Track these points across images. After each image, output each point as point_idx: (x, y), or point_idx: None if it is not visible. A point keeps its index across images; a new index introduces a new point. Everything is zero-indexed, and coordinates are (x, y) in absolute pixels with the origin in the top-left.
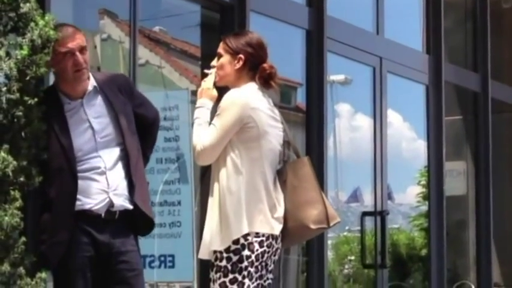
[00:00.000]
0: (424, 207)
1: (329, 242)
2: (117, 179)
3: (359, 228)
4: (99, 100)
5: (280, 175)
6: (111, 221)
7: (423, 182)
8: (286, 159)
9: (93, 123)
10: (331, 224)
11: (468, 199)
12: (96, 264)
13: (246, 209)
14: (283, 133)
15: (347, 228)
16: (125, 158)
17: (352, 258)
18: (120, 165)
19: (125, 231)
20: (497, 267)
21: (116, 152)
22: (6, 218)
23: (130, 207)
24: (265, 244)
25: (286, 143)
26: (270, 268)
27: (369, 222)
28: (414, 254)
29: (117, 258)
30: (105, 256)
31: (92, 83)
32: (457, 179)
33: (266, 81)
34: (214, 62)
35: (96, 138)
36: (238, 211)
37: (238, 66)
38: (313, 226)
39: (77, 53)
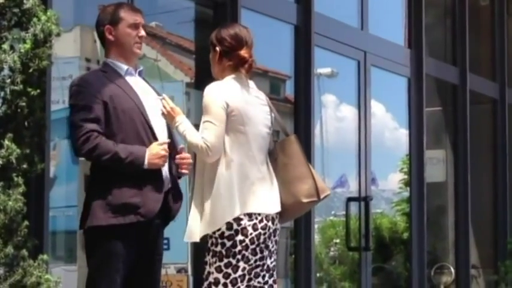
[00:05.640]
0: (406, 193)
1: (316, 226)
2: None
3: (344, 212)
4: (144, 81)
5: (271, 155)
6: None
7: (405, 169)
8: (276, 139)
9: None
10: (322, 197)
11: (447, 185)
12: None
13: (238, 192)
14: (271, 115)
15: (333, 212)
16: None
17: (338, 241)
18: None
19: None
20: (475, 250)
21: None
22: (10, 202)
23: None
24: (259, 226)
25: (275, 124)
26: (272, 249)
27: (354, 207)
28: (396, 238)
29: (153, 242)
30: (144, 236)
31: (141, 67)
32: (437, 166)
33: (241, 66)
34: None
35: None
36: (230, 195)
37: (217, 58)
38: (304, 200)
39: (141, 27)
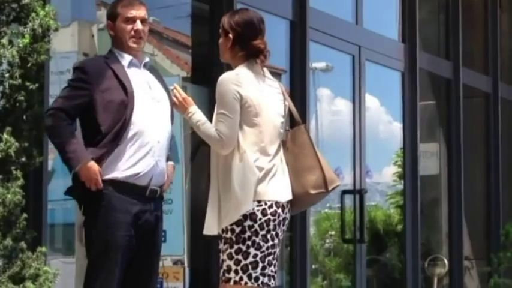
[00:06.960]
0: (400, 186)
1: (311, 218)
2: (161, 149)
3: (339, 205)
4: (152, 75)
5: (284, 144)
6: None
7: (399, 162)
8: (288, 128)
9: (150, 85)
10: (330, 188)
11: (441, 178)
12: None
13: (252, 184)
14: (284, 104)
15: (328, 205)
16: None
17: (333, 233)
18: (162, 136)
19: (160, 205)
20: (468, 242)
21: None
22: (9, 195)
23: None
24: (268, 212)
25: (288, 113)
26: (280, 238)
27: (349, 199)
28: (390, 230)
29: (151, 231)
30: (142, 226)
31: (146, 59)
32: (431, 159)
33: (256, 57)
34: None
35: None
36: (244, 188)
37: (229, 45)
38: (312, 191)
39: (138, 22)
